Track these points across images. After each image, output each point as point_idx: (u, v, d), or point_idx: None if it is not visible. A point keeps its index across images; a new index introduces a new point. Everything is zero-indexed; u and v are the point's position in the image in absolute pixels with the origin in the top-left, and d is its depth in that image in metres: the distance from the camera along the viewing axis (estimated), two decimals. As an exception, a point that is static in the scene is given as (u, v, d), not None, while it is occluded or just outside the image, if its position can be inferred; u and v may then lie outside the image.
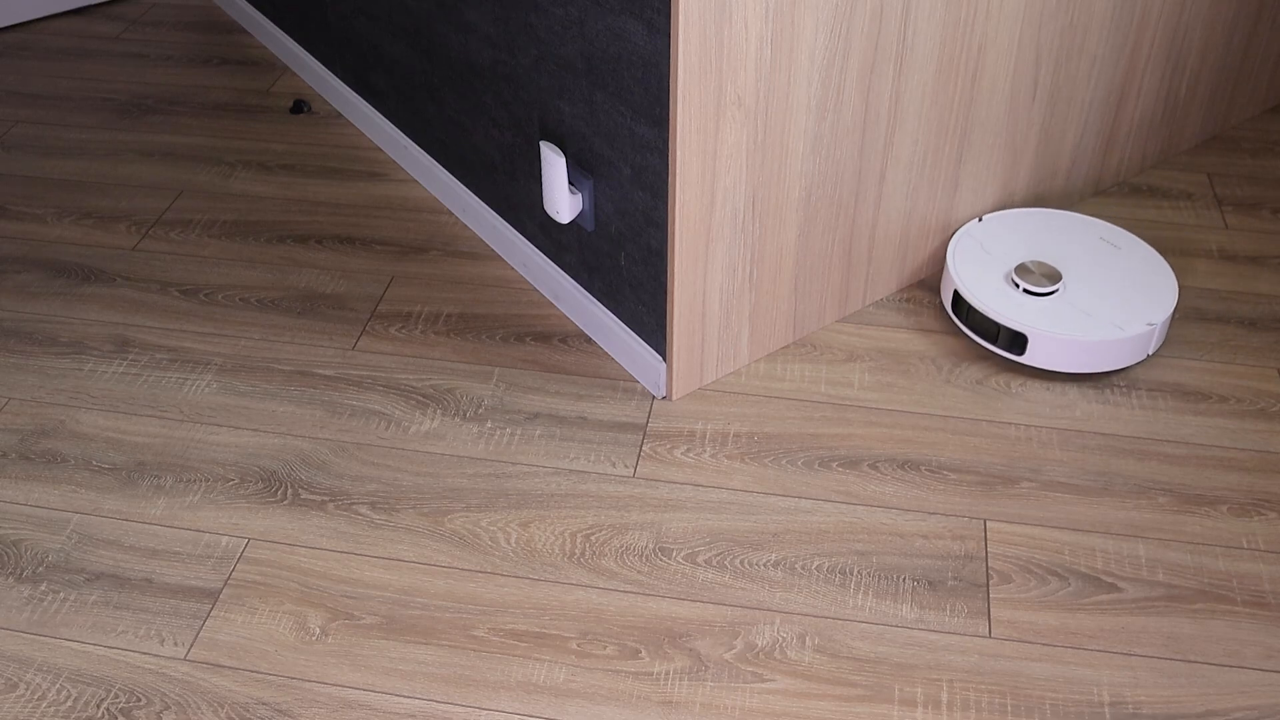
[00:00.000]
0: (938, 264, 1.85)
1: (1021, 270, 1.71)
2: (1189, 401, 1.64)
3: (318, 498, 1.52)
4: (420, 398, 1.66)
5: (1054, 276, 1.70)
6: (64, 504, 1.51)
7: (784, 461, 1.56)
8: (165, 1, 2.74)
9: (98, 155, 2.20)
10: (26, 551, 1.45)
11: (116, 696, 1.29)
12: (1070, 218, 1.84)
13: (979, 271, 1.74)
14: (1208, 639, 1.34)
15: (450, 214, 2.02)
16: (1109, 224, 1.82)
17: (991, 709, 1.27)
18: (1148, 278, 1.73)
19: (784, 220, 1.58)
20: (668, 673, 1.31)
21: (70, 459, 1.58)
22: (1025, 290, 1.69)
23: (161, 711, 1.27)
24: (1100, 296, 1.70)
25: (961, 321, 1.72)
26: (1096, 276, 1.73)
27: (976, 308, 1.69)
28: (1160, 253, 1.86)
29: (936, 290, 1.83)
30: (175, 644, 1.34)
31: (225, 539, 1.47)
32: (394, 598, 1.39)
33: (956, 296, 1.72)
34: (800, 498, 1.51)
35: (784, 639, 1.35)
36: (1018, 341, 1.65)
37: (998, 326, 1.66)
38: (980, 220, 1.81)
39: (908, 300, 1.81)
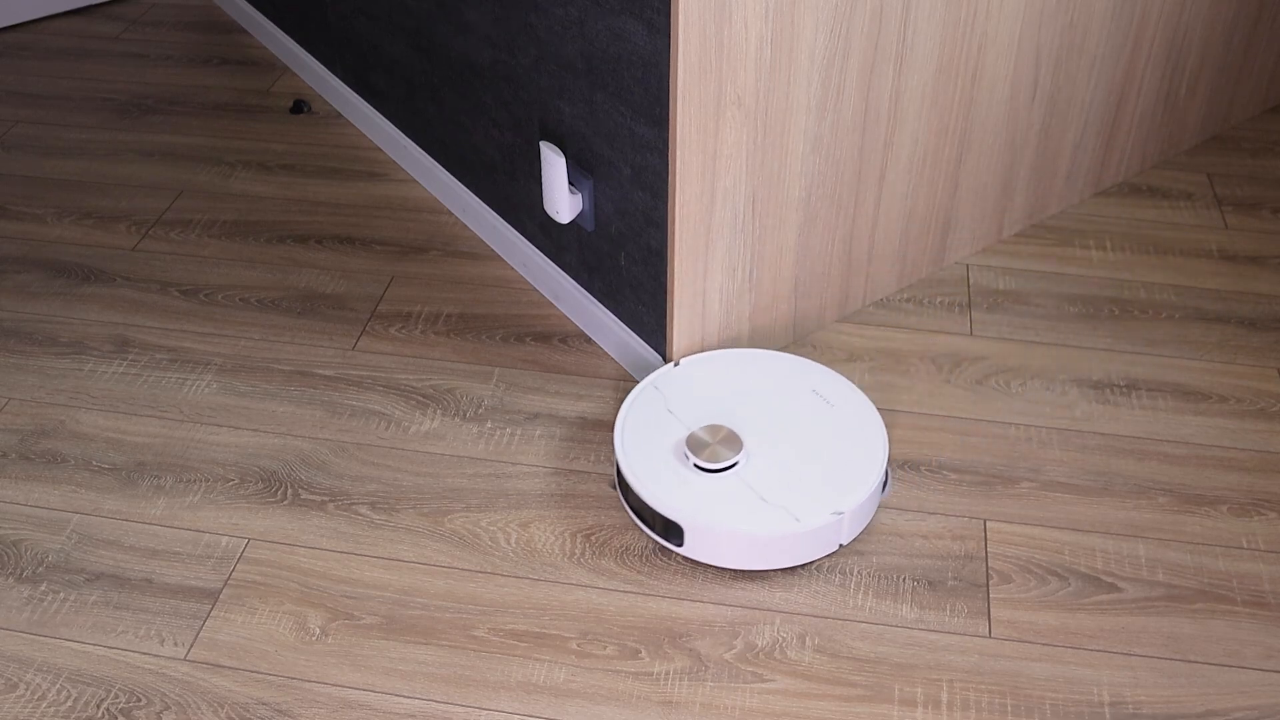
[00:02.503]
0: (938, 264, 1.85)
1: (694, 440, 1.42)
2: (1189, 401, 1.64)
3: (318, 498, 1.52)
4: (420, 398, 1.66)
5: (734, 446, 1.42)
6: (64, 504, 1.51)
7: (784, 461, 1.56)
8: (165, 1, 2.74)
9: (98, 155, 2.20)
10: (26, 551, 1.45)
11: (116, 696, 1.29)
12: (785, 363, 1.55)
13: (651, 437, 1.45)
14: (1208, 639, 1.34)
15: (450, 214, 2.02)
16: (829, 371, 1.54)
17: (991, 709, 1.27)
18: (853, 447, 1.44)
19: (784, 220, 1.58)
20: (668, 673, 1.31)
21: (70, 459, 1.58)
22: (696, 465, 1.41)
23: (161, 711, 1.27)
24: (787, 474, 1.41)
25: (625, 500, 1.45)
26: (790, 445, 1.44)
27: (632, 486, 1.40)
28: (878, 408, 1.61)
29: (937, 291, 1.83)
30: (175, 644, 1.34)
31: (225, 539, 1.47)
32: (394, 598, 1.39)
33: (619, 469, 1.44)
34: (800, 498, 1.51)
35: (784, 639, 1.35)
36: (674, 531, 1.38)
37: (652, 511, 1.39)
38: (676, 364, 1.54)
39: (908, 300, 1.81)
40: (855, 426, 1.47)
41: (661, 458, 1.43)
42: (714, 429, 1.44)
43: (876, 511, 1.47)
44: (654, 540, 1.42)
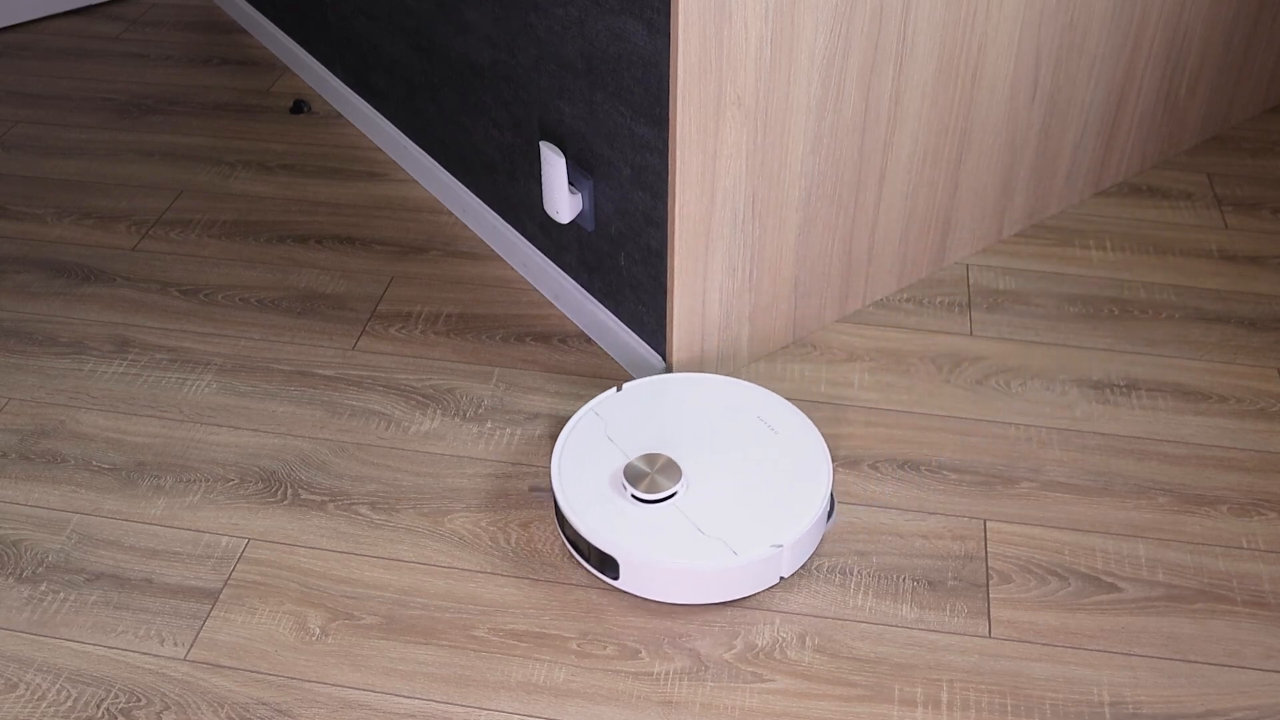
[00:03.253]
0: (938, 264, 1.85)
1: (632, 470, 1.39)
2: (1189, 401, 1.64)
3: (318, 498, 1.52)
4: (420, 398, 1.66)
5: (673, 475, 1.39)
6: (64, 504, 1.51)
7: (784, 461, 1.56)
8: (165, 1, 2.74)
9: (98, 155, 2.20)
10: (26, 551, 1.45)
11: (116, 696, 1.29)
12: (732, 388, 1.51)
13: (589, 466, 1.41)
14: (1208, 639, 1.34)
15: (450, 214, 2.02)
16: (776, 397, 1.50)
17: (991, 709, 1.27)
18: (796, 476, 1.40)
19: (784, 220, 1.58)
20: (668, 673, 1.31)
21: (70, 459, 1.58)
22: (633, 496, 1.38)
23: (161, 711, 1.27)
24: (727, 505, 1.37)
25: (562, 532, 1.42)
26: (731, 474, 1.40)
27: (568, 518, 1.37)
28: (824, 436, 1.56)
29: (937, 291, 1.83)
30: (175, 644, 1.34)
31: (225, 539, 1.47)
32: (394, 598, 1.39)
33: (555, 500, 1.41)
34: (800, 498, 1.51)
35: (784, 639, 1.35)
36: (609, 564, 1.35)
37: (588, 544, 1.36)
38: (619, 389, 1.50)
39: (908, 300, 1.81)
40: (800, 454, 1.43)
41: (598, 488, 1.39)
42: (652, 458, 1.40)
43: (822, 541, 1.45)
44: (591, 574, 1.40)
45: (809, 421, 1.47)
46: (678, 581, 1.33)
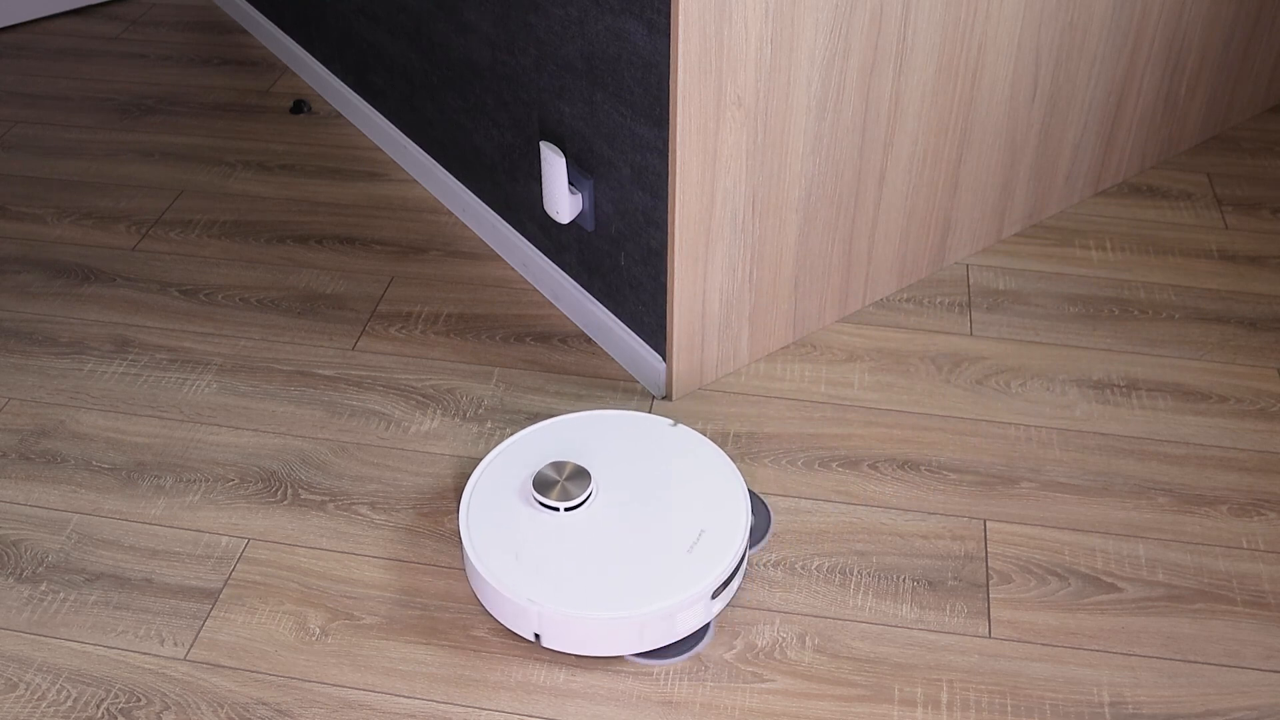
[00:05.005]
0: (938, 264, 1.85)
1: (541, 479, 1.38)
2: (1189, 401, 1.64)
3: (318, 498, 1.52)
4: (420, 398, 1.66)
5: (583, 481, 1.37)
6: (64, 504, 1.51)
7: (784, 461, 1.56)
8: (165, 1, 2.74)
9: (98, 155, 2.20)
10: (26, 551, 1.45)
11: (116, 696, 1.29)
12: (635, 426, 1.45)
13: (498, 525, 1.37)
14: (1208, 639, 1.34)
15: (450, 214, 2.02)
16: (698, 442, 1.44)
17: (991, 709, 1.27)
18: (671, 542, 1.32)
19: (784, 220, 1.58)
20: (668, 673, 1.31)
21: (70, 459, 1.58)
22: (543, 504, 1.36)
23: (161, 711, 1.27)
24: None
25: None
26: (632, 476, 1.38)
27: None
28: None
29: (937, 291, 1.83)
30: (175, 644, 1.34)
31: (225, 539, 1.47)
32: (394, 598, 1.39)
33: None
34: (800, 498, 1.51)
35: (784, 639, 1.35)
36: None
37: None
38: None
39: (908, 300, 1.81)
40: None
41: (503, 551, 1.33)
42: (559, 466, 1.38)
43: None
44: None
45: (735, 470, 1.41)
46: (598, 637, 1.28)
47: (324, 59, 2.29)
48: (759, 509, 1.47)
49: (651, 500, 1.37)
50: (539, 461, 1.43)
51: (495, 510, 1.37)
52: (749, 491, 1.47)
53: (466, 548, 1.33)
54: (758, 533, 1.44)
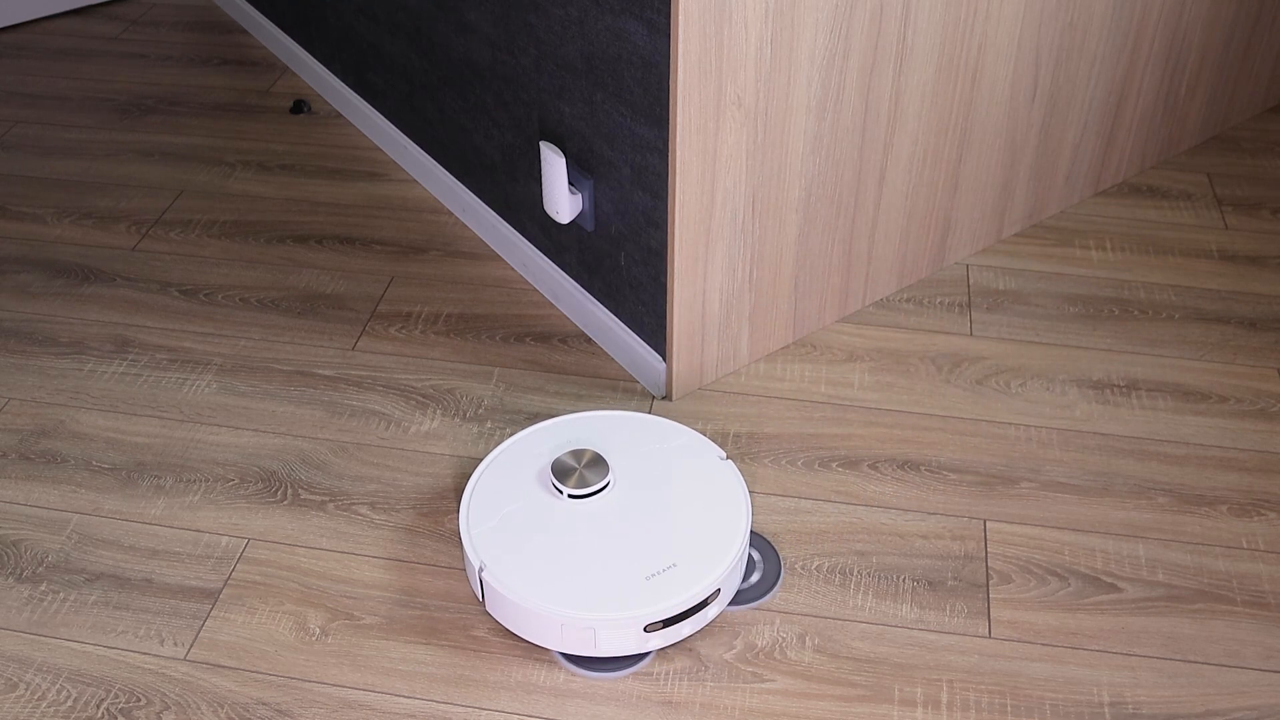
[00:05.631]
0: (938, 264, 1.85)
1: (560, 465, 1.38)
2: (1189, 401, 1.64)
3: (318, 498, 1.52)
4: (420, 398, 1.66)
5: (601, 468, 1.37)
6: (64, 504, 1.51)
7: (784, 461, 1.56)
8: (165, 1, 2.74)
9: (98, 155, 2.20)
10: (26, 551, 1.45)
11: (116, 696, 1.29)
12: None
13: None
14: (1208, 639, 1.34)
15: (450, 214, 2.02)
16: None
17: (991, 709, 1.27)
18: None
19: (784, 220, 1.58)
20: (668, 673, 1.31)
21: (70, 459, 1.58)
22: (569, 495, 1.36)
23: (161, 711, 1.27)
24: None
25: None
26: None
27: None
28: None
29: (937, 291, 1.83)
30: (175, 644, 1.34)
31: (225, 539, 1.47)
32: (394, 598, 1.39)
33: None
34: (800, 498, 1.51)
35: (784, 639, 1.35)
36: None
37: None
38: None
39: (908, 300, 1.81)
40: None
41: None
42: (579, 453, 1.38)
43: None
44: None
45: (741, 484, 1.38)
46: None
47: (324, 59, 2.29)
48: (769, 560, 1.42)
49: (650, 517, 1.35)
50: (571, 446, 1.42)
51: (506, 481, 1.39)
52: (766, 545, 1.43)
53: (463, 504, 1.36)
54: (763, 586, 1.39)
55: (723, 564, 1.29)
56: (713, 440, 1.59)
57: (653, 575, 1.28)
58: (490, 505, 1.36)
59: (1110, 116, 1.92)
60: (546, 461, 1.41)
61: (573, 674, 1.31)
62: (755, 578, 1.40)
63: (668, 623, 1.26)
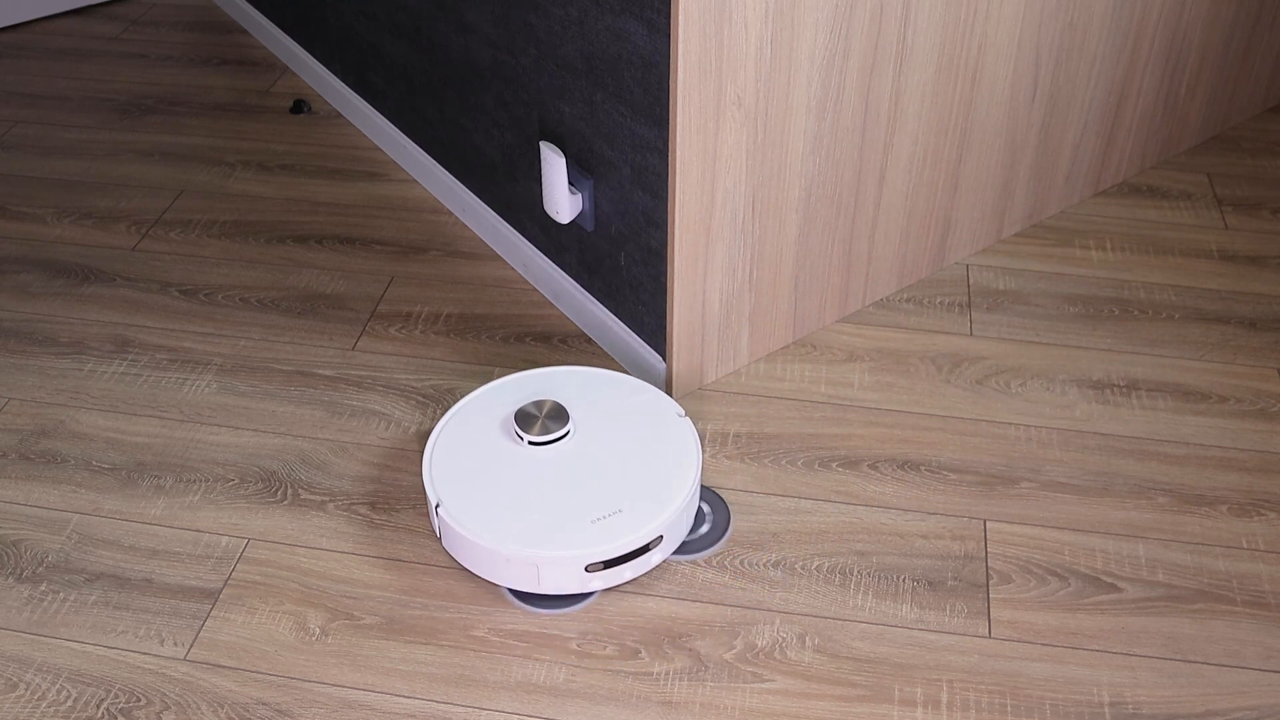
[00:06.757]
0: (938, 264, 1.85)
1: (522, 415, 1.45)
2: (1189, 401, 1.64)
3: (318, 498, 1.52)
4: (420, 398, 1.66)
5: (560, 420, 1.43)
6: (64, 504, 1.51)
7: (784, 461, 1.56)
8: (165, 1, 2.74)
9: (98, 155, 2.20)
10: (26, 551, 1.45)
11: (116, 696, 1.29)
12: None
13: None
14: (1208, 639, 1.34)
15: (450, 214, 2.02)
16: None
17: (991, 709, 1.27)
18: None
19: (784, 220, 1.58)
20: (668, 673, 1.31)
21: (70, 459, 1.58)
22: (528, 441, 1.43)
23: (161, 711, 1.27)
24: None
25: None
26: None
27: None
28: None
29: (937, 291, 1.83)
30: (175, 644, 1.34)
31: (225, 539, 1.47)
32: (394, 598, 1.39)
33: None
34: (800, 498, 1.51)
35: (784, 639, 1.35)
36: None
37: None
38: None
39: (908, 300, 1.81)
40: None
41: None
42: (540, 403, 1.45)
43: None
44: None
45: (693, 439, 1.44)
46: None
47: (324, 59, 2.29)
48: (719, 514, 1.47)
49: (604, 465, 1.40)
50: (537, 397, 1.49)
51: (472, 427, 1.46)
52: (718, 501, 1.48)
53: (428, 445, 1.43)
54: (710, 538, 1.44)
55: (666, 512, 1.35)
56: (713, 440, 1.59)
57: (599, 519, 1.34)
58: (454, 448, 1.43)
59: (1110, 116, 1.92)
60: (512, 410, 1.47)
61: (518, 609, 1.36)
62: (704, 529, 1.45)
63: (608, 564, 1.33)
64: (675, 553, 1.43)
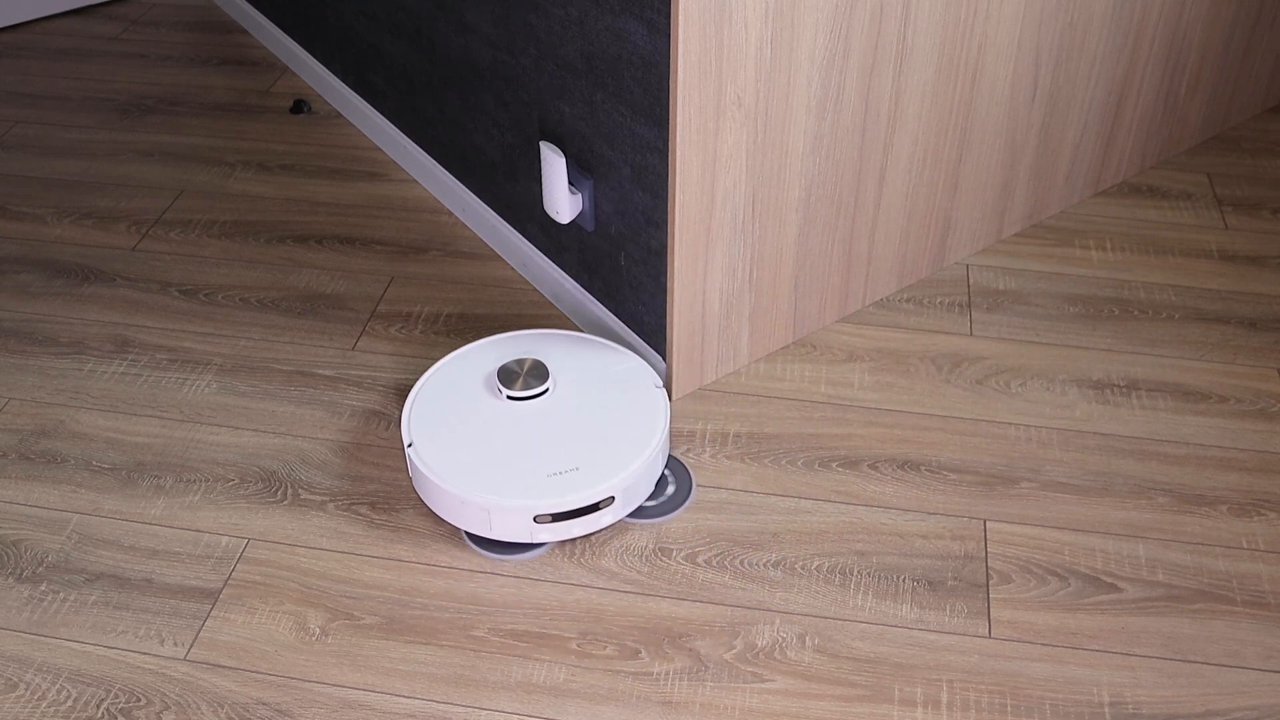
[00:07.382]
0: (938, 264, 1.85)
1: (505, 371, 1.51)
2: (1189, 401, 1.64)
3: (318, 498, 1.52)
4: (420, 398, 1.66)
5: (540, 377, 1.50)
6: (64, 504, 1.51)
7: (784, 461, 1.56)
8: (165, 1, 2.74)
9: (98, 155, 2.20)
10: (26, 551, 1.45)
11: (116, 696, 1.29)
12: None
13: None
14: (1208, 639, 1.34)
15: (450, 214, 2.03)
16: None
17: (991, 709, 1.27)
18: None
19: (784, 220, 1.58)
20: (668, 673, 1.31)
21: (70, 459, 1.58)
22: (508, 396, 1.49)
23: (161, 711, 1.27)
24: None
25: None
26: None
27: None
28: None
29: (937, 291, 1.83)
30: (175, 644, 1.34)
31: (225, 539, 1.47)
32: (394, 598, 1.39)
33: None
34: (800, 498, 1.51)
35: (784, 639, 1.35)
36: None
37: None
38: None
39: (908, 300, 1.81)
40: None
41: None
42: (520, 361, 1.52)
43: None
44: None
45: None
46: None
47: (324, 59, 2.29)
48: (682, 483, 1.52)
49: (572, 425, 1.46)
50: (522, 355, 1.56)
51: (457, 377, 1.53)
52: (683, 471, 1.54)
53: (413, 390, 1.51)
54: (668, 505, 1.49)
55: (620, 475, 1.40)
56: (713, 441, 1.59)
57: (555, 474, 1.40)
58: (437, 395, 1.50)
59: (1110, 116, 1.92)
60: (496, 366, 1.54)
61: (474, 552, 1.44)
62: (665, 496, 1.51)
63: (556, 518, 1.38)
64: (631, 515, 1.48)
